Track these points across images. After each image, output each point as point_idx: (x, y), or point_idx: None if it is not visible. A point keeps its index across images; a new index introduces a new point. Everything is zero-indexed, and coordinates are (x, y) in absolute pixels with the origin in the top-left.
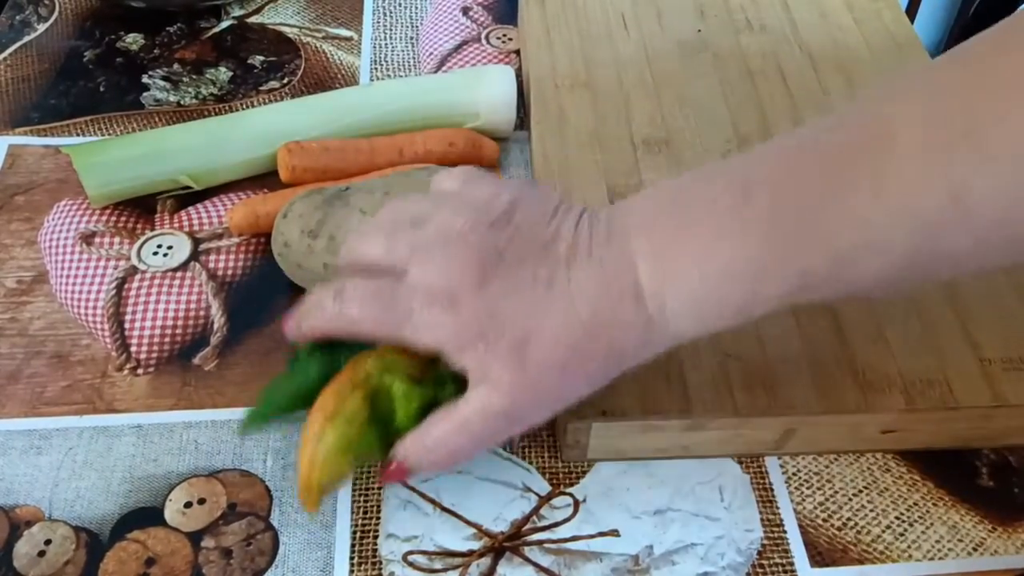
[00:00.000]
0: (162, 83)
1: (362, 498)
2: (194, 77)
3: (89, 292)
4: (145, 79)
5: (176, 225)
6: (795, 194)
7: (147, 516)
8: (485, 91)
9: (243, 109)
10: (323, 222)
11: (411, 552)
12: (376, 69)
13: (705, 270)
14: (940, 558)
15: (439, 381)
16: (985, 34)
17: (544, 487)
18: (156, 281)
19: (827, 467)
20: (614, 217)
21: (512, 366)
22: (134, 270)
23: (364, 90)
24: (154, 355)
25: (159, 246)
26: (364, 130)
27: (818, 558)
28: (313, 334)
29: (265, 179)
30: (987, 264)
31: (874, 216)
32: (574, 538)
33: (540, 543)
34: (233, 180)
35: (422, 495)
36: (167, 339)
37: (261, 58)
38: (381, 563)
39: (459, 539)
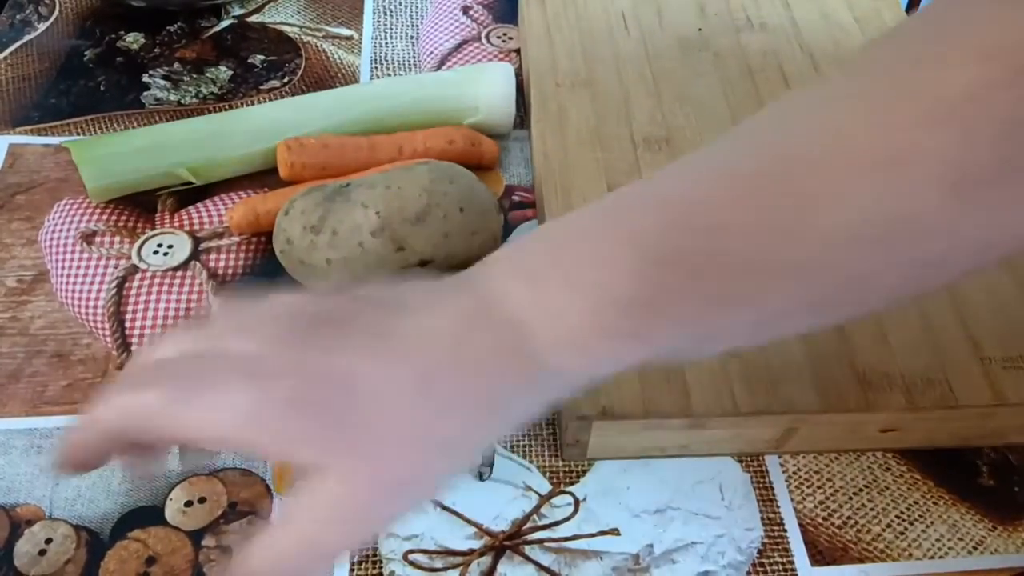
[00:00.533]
0: (162, 82)
1: None
2: (194, 76)
3: (90, 291)
4: (145, 78)
5: (176, 224)
6: (686, 217)
7: (148, 515)
8: (484, 87)
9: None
10: (325, 217)
11: (412, 551)
12: (376, 68)
13: (585, 296)
14: (940, 557)
15: None
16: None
17: (544, 486)
18: (156, 280)
19: (827, 466)
20: (477, 269)
21: (340, 437)
22: (134, 269)
23: (363, 87)
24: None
25: (159, 245)
26: (364, 126)
27: (818, 557)
28: (76, 456)
29: (265, 178)
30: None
31: (773, 245)
32: (574, 537)
33: (541, 542)
34: (232, 176)
35: None
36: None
37: (261, 57)
38: (381, 562)
39: (460, 538)
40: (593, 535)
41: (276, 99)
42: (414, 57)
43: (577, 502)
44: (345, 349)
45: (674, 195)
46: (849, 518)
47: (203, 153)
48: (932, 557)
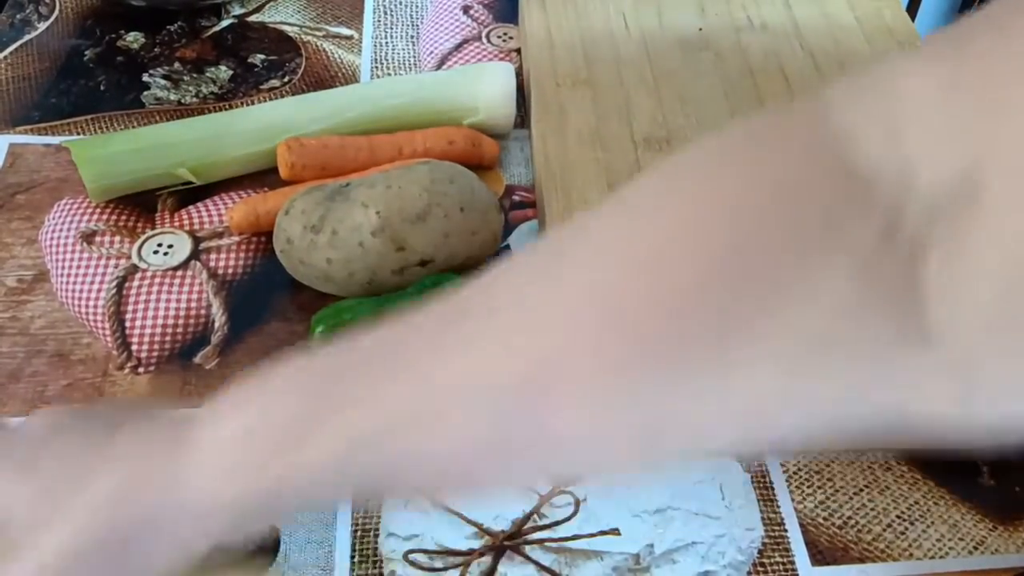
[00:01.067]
0: (163, 82)
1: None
2: (194, 76)
3: (90, 291)
4: (146, 78)
5: (176, 224)
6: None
7: None
8: (484, 87)
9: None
10: (325, 217)
11: (412, 551)
12: (377, 68)
13: (235, 422)
14: (941, 556)
15: None
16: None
17: (545, 486)
18: (157, 280)
19: (828, 466)
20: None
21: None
22: (135, 269)
23: (363, 87)
24: (155, 354)
25: (159, 245)
26: (364, 125)
27: (819, 557)
28: None
29: (265, 178)
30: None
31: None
32: (575, 537)
33: (541, 542)
34: (232, 176)
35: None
36: (168, 338)
37: (262, 57)
38: (382, 561)
39: (460, 538)
40: (593, 535)
41: (276, 99)
42: (414, 57)
43: (577, 502)
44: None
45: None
46: (850, 518)
47: (203, 153)
48: (933, 557)
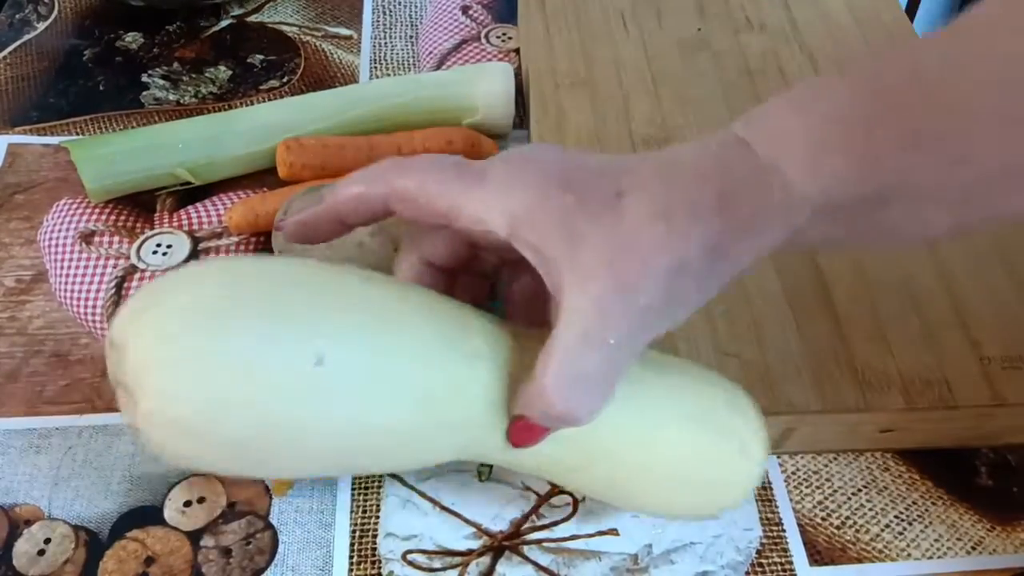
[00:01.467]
0: (161, 82)
1: (361, 497)
2: (193, 76)
3: (88, 291)
4: (145, 78)
5: (175, 224)
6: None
7: (146, 515)
8: (483, 87)
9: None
10: None
11: (410, 551)
12: (376, 68)
13: (809, 114)
14: (939, 557)
15: None
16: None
17: (543, 486)
18: None
19: (826, 466)
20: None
21: (606, 219)
22: (133, 269)
23: (362, 87)
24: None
25: (158, 245)
26: (363, 125)
27: (817, 557)
28: (327, 216)
29: (264, 178)
30: None
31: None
32: (573, 537)
33: (539, 542)
34: (231, 176)
35: (421, 494)
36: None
37: (261, 57)
38: (380, 562)
39: (458, 538)
40: (592, 535)
41: (275, 99)
42: (413, 57)
43: (576, 502)
44: (605, 159)
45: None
46: (848, 518)
47: (202, 153)
48: (931, 557)
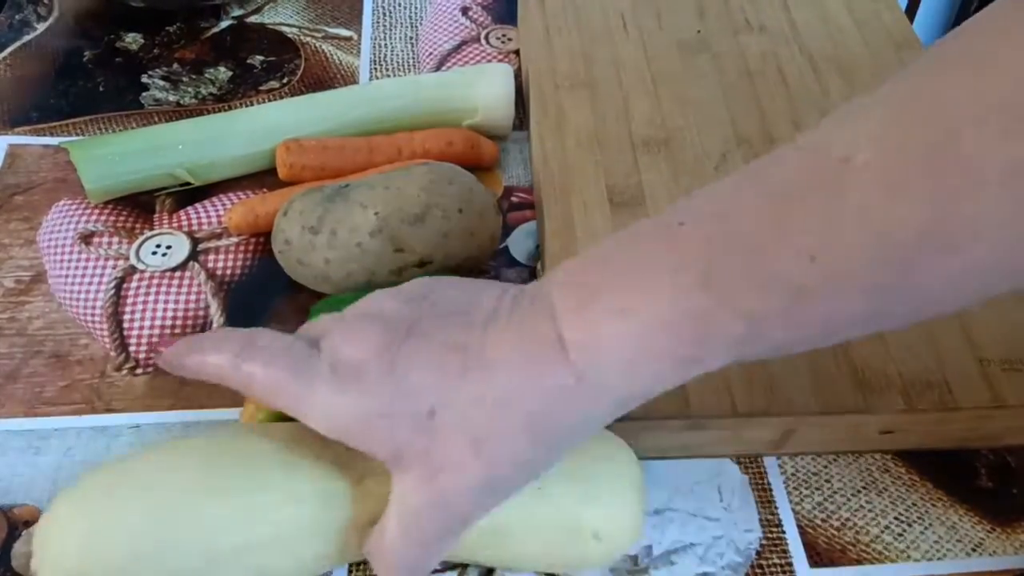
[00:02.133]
0: (161, 83)
1: None
2: (193, 77)
3: (88, 292)
4: (144, 79)
5: (175, 225)
6: (732, 234)
7: None
8: (483, 88)
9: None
10: (323, 218)
11: None
12: (376, 69)
13: (633, 321)
14: (939, 558)
15: None
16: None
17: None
18: (155, 281)
19: (826, 467)
20: (540, 284)
21: (419, 441)
22: (133, 270)
23: (362, 88)
24: (153, 355)
25: (158, 246)
26: (363, 126)
27: (817, 558)
28: (191, 372)
29: (263, 179)
30: (972, 297)
31: (824, 254)
32: None
33: None
34: (231, 177)
35: None
36: (166, 339)
37: (260, 58)
38: None
39: None
40: None
41: (275, 100)
42: (413, 58)
43: None
44: (431, 365)
45: (713, 213)
46: (848, 519)
47: (202, 154)
48: (930, 559)
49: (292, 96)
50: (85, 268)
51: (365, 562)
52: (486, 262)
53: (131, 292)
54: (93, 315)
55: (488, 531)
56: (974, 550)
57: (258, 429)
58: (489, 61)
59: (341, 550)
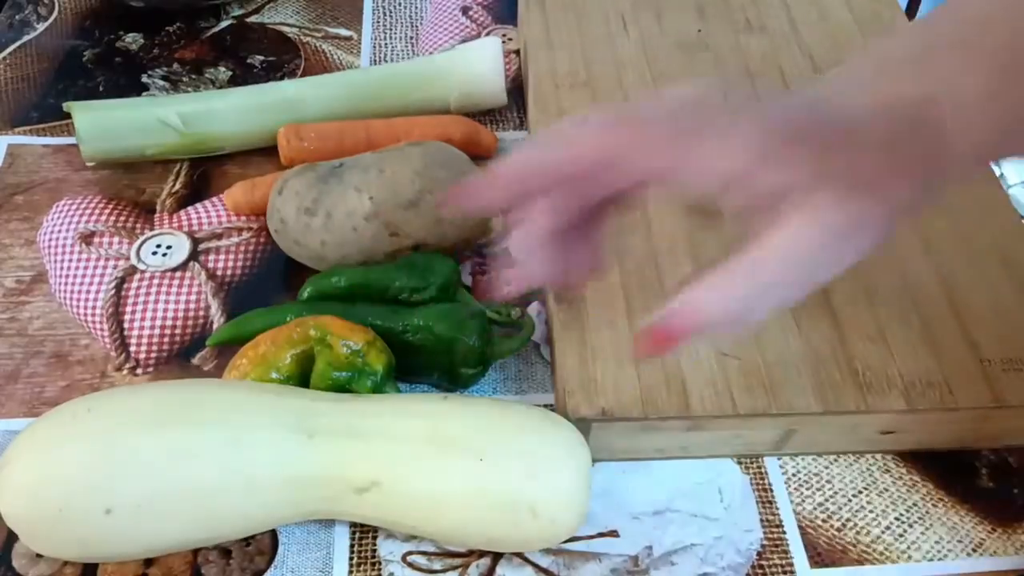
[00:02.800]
0: (161, 83)
1: None
2: (193, 77)
3: (88, 292)
4: (144, 79)
5: (175, 225)
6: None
7: None
8: (473, 62)
9: None
10: (319, 200)
11: (410, 552)
12: None
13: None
14: (939, 559)
15: (358, 370)
16: None
17: None
18: (155, 281)
19: (826, 468)
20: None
21: (839, 160)
22: (133, 270)
23: (356, 72)
24: (153, 355)
25: (158, 246)
26: (362, 104)
27: (817, 559)
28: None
29: (262, 166)
30: None
31: None
32: (573, 539)
33: None
34: (228, 152)
35: None
36: (166, 339)
37: (261, 58)
38: (380, 563)
39: None
40: (592, 537)
41: None
42: (413, 58)
43: None
44: (805, 105)
45: None
46: (848, 520)
47: (201, 123)
48: (931, 559)
49: None
50: (85, 268)
51: (365, 562)
52: (479, 244)
53: (131, 292)
54: (93, 315)
55: (427, 501)
56: (975, 550)
57: (225, 380)
58: None
59: (290, 502)
